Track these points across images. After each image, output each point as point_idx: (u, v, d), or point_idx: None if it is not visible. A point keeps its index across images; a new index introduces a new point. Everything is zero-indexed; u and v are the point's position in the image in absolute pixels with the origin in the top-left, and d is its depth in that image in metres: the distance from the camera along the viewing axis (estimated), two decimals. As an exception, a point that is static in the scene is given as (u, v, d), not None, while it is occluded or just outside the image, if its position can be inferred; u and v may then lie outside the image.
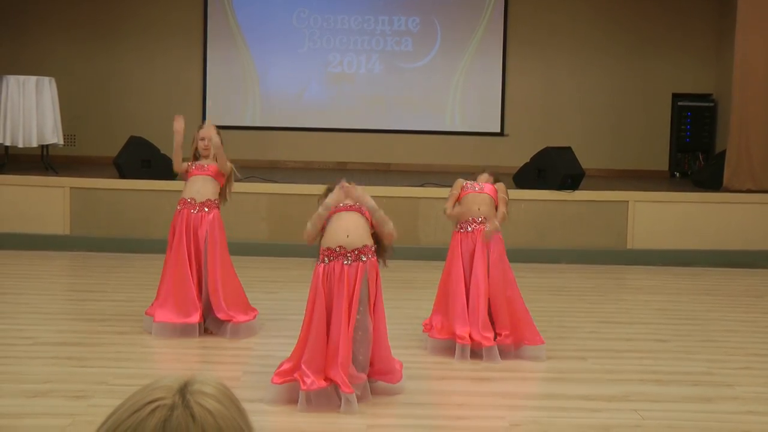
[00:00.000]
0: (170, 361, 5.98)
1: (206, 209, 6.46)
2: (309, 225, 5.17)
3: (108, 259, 9.13)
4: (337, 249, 5.02)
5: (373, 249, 5.11)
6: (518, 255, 9.34)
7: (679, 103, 12.07)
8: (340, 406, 4.91)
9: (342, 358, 4.92)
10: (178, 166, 6.65)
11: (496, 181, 6.33)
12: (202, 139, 6.55)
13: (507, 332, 6.01)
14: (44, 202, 9.67)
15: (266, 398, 5.02)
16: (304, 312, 5.12)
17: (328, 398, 4.94)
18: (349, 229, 5.06)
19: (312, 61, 12.23)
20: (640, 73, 12.28)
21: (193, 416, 1.25)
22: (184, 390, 1.28)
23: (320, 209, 5.18)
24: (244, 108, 12.31)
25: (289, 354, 5.14)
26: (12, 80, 10.08)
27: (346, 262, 5.01)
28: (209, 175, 6.54)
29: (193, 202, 6.47)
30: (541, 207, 9.71)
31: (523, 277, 8.65)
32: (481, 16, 12.26)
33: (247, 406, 1.33)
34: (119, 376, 5.43)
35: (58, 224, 9.65)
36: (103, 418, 1.30)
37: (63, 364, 5.70)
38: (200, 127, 6.70)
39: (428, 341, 6.15)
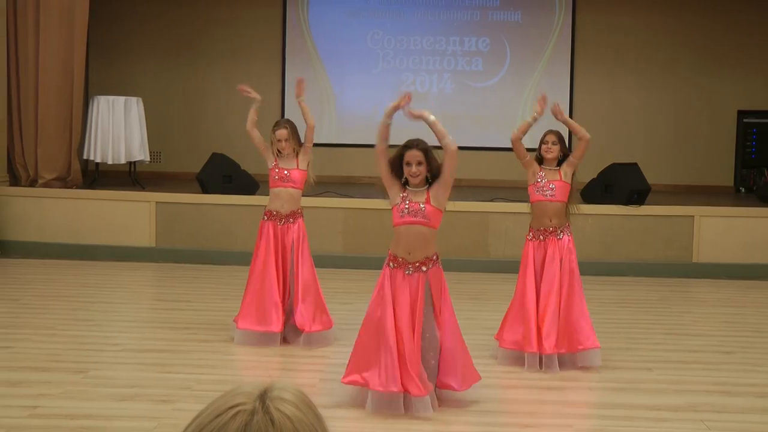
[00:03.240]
0: (251, 368, 6.09)
1: (291, 220, 6.56)
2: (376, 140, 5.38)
3: (191, 270, 9.32)
4: (400, 260, 5.17)
5: (434, 258, 5.20)
6: (586, 268, 9.44)
7: (745, 120, 11.99)
8: (404, 411, 5.02)
9: (411, 364, 5.03)
10: (251, 125, 6.70)
11: (562, 150, 6.51)
12: (279, 140, 6.59)
13: (564, 340, 6.05)
14: (132, 216, 9.90)
15: (334, 399, 5.16)
16: (368, 307, 5.24)
17: (396, 404, 5.05)
18: (411, 247, 5.16)
19: (386, 81, 12.38)
20: (705, 91, 12.22)
21: (272, 421, 1.28)
22: (264, 396, 1.31)
23: (382, 119, 5.50)
24: (320, 125, 12.41)
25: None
26: (102, 100, 10.35)
27: (407, 272, 5.14)
28: (293, 186, 6.61)
29: (278, 214, 6.56)
30: (608, 221, 9.75)
31: (590, 289, 8.73)
32: (549, 36, 12.34)
33: (323, 413, 1.37)
34: (202, 382, 5.59)
35: (144, 237, 9.89)
36: (187, 421, 1.33)
37: (149, 369, 5.85)
38: (276, 126, 6.70)
39: (498, 351, 6.22)
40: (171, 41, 12.43)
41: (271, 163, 6.63)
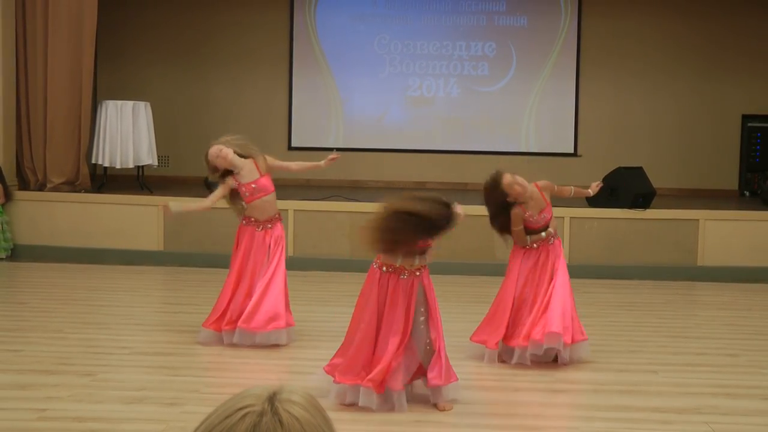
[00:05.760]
0: (258, 371, 6.09)
1: (269, 225, 6.63)
2: None
3: (199, 273, 9.38)
4: (398, 266, 5.22)
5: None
6: (591, 271, 9.52)
7: (749, 124, 12.07)
8: (358, 403, 5.11)
9: (381, 362, 5.12)
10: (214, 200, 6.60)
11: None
12: (216, 158, 6.44)
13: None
14: (139, 220, 9.98)
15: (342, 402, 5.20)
16: (354, 312, 5.31)
17: (356, 395, 5.16)
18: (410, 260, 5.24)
19: (392, 86, 12.48)
20: (709, 95, 12.28)
21: (281, 422, 1.29)
22: (273, 398, 1.32)
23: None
24: (327, 130, 12.56)
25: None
26: (110, 105, 10.41)
27: (402, 276, 5.20)
28: (265, 194, 6.67)
29: (257, 221, 6.62)
30: (613, 225, 9.79)
31: (596, 292, 8.82)
32: (555, 41, 12.40)
33: (331, 415, 1.37)
34: (210, 385, 5.62)
35: (152, 241, 9.96)
36: (195, 424, 1.35)
37: (157, 372, 5.90)
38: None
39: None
40: (179, 46, 12.50)
41: (234, 185, 6.57)
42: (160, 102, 11.81)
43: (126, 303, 8.11)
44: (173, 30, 12.51)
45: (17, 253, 10.03)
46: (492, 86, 12.50)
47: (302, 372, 6.07)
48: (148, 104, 10.71)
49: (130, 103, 10.52)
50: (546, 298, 6.19)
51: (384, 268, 5.23)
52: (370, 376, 5.12)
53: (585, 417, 5.37)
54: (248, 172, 6.53)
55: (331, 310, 7.60)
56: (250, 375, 6.03)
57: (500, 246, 6.68)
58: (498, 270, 9.40)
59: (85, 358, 6.12)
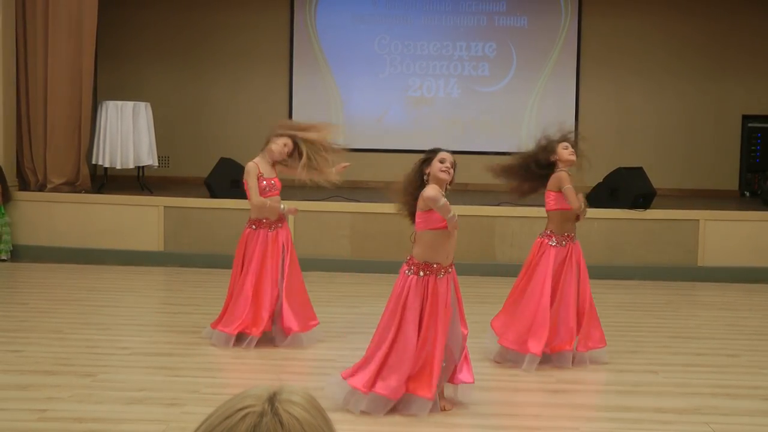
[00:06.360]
0: (259, 372, 6.09)
1: (280, 225, 6.70)
2: (445, 207, 5.01)
3: (199, 274, 9.38)
4: (435, 266, 5.10)
5: None
6: (592, 271, 9.42)
7: (749, 125, 12.08)
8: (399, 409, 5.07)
9: (433, 366, 5.05)
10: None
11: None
12: (285, 145, 6.60)
13: (582, 338, 6.19)
14: (140, 220, 9.98)
15: (342, 402, 5.13)
16: (387, 319, 5.14)
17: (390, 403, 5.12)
18: (451, 250, 5.16)
19: (393, 86, 12.48)
20: (710, 95, 12.28)
21: (281, 423, 1.29)
22: (273, 398, 1.32)
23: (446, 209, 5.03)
24: (327, 130, 12.61)
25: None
26: (111, 105, 10.40)
27: (439, 275, 5.10)
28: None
29: (267, 221, 6.63)
30: (614, 225, 9.80)
31: (596, 292, 8.76)
32: (556, 41, 12.40)
33: (331, 416, 1.38)
34: (210, 385, 5.61)
35: (152, 241, 9.96)
36: (196, 424, 1.35)
37: (157, 373, 5.89)
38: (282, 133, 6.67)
39: (498, 347, 6.27)
40: (179, 46, 12.50)
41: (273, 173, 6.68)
42: (161, 102, 11.80)
43: (126, 303, 8.10)
44: (174, 30, 12.52)
45: (17, 254, 10.04)
46: (492, 86, 12.51)
47: (302, 372, 6.09)
48: (148, 104, 10.70)
49: (130, 103, 10.52)
50: (587, 305, 6.25)
51: (421, 273, 5.08)
52: (432, 389, 5.06)
53: (585, 417, 5.37)
54: (270, 169, 6.69)
55: (332, 310, 7.60)
56: (250, 375, 6.03)
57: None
58: (498, 270, 9.43)
59: (86, 359, 6.12)
